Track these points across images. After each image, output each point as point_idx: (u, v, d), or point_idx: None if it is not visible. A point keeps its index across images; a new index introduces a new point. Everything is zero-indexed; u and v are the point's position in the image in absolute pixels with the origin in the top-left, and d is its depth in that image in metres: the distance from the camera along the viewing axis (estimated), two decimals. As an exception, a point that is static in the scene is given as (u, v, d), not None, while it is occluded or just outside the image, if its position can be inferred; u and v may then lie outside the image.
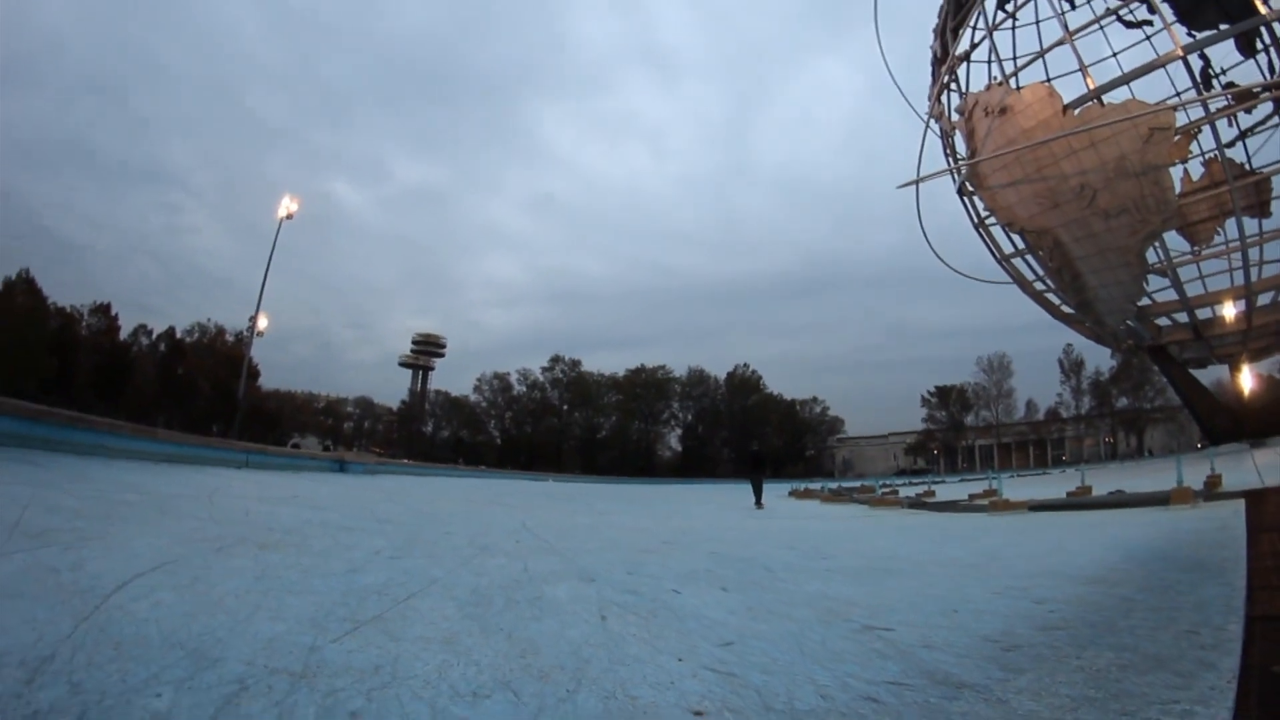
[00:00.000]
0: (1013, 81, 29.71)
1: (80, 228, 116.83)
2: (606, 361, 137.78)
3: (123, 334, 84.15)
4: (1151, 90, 29.95)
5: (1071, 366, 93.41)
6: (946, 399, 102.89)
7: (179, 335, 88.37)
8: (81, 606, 2.72)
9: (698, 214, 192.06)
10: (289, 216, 33.44)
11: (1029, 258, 32.21)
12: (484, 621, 3.31)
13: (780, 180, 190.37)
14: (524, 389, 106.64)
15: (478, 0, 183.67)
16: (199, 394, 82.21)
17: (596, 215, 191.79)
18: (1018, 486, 23.73)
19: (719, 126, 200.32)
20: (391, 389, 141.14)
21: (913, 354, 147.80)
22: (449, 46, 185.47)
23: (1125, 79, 27.35)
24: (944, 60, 33.22)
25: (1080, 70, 27.97)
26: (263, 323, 35.16)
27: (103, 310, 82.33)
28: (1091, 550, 7.64)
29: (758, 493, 20.47)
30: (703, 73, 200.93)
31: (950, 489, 27.37)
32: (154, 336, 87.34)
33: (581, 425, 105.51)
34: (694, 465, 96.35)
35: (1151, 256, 29.07)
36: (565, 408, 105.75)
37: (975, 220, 33.63)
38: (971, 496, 19.71)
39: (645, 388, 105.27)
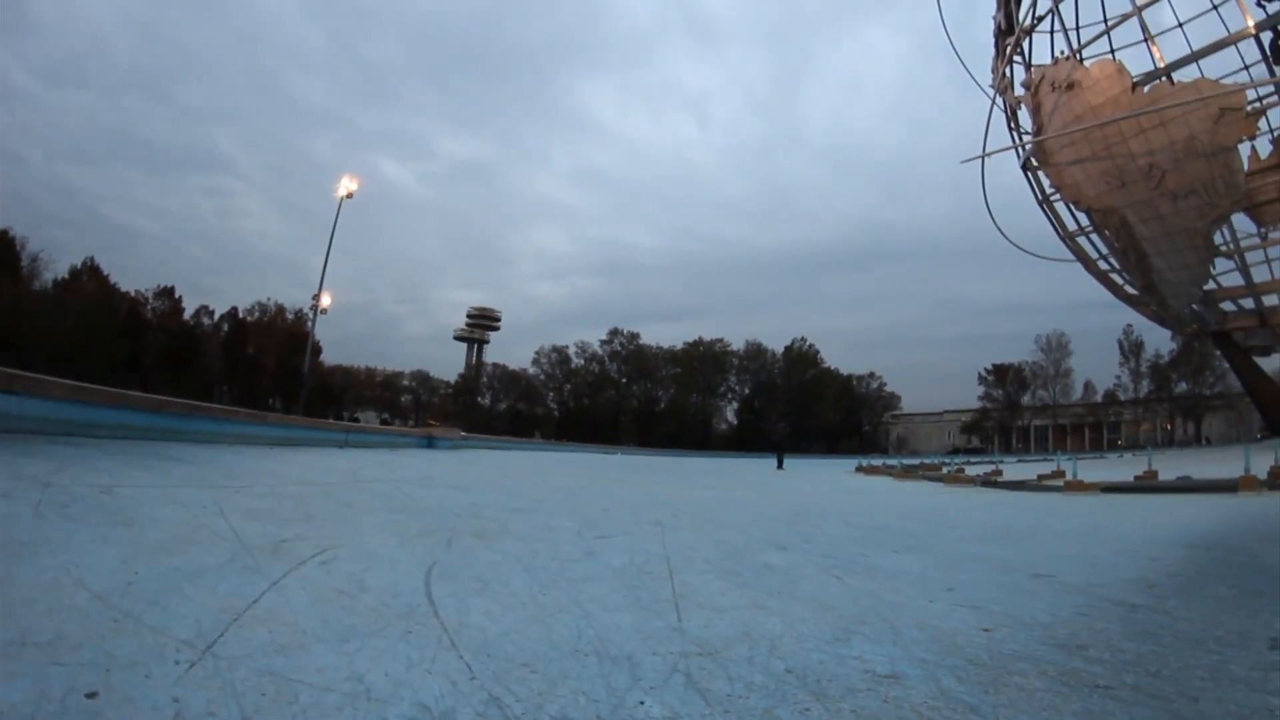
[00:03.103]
0: (1082, 54, 30.28)
1: (135, 215, 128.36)
2: (661, 333, 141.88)
3: (185, 315, 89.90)
4: (1219, 63, 30.23)
5: (1131, 348, 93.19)
6: (1003, 378, 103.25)
7: (240, 315, 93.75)
8: (429, 634, 2.79)
9: (745, 183, 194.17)
10: (349, 196, 35.21)
11: (1094, 236, 32.91)
12: (762, 589, 4.20)
13: (828, 148, 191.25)
14: (581, 362, 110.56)
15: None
16: (263, 371, 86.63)
17: (644, 186, 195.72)
18: (1082, 469, 24.91)
19: (763, 94, 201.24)
20: (446, 362, 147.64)
21: (968, 330, 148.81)
22: (487, 22, 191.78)
23: (1195, 56, 27.72)
24: (1009, 32, 33.80)
25: (1146, 41, 28.43)
26: (326, 300, 37.02)
27: (167, 293, 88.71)
28: (1177, 525, 8.93)
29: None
30: (745, 40, 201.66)
31: (1012, 469, 28.54)
32: (216, 317, 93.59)
33: (639, 398, 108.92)
34: (749, 439, 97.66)
35: (1217, 238, 29.59)
36: (624, 380, 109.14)
37: (1040, 196, 34.28)
38: (1041, 477, 20.92)
39: (703, 361, 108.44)
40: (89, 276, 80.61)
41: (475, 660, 2.55)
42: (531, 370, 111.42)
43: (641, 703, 2.28)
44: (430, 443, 21.73)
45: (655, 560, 4.78)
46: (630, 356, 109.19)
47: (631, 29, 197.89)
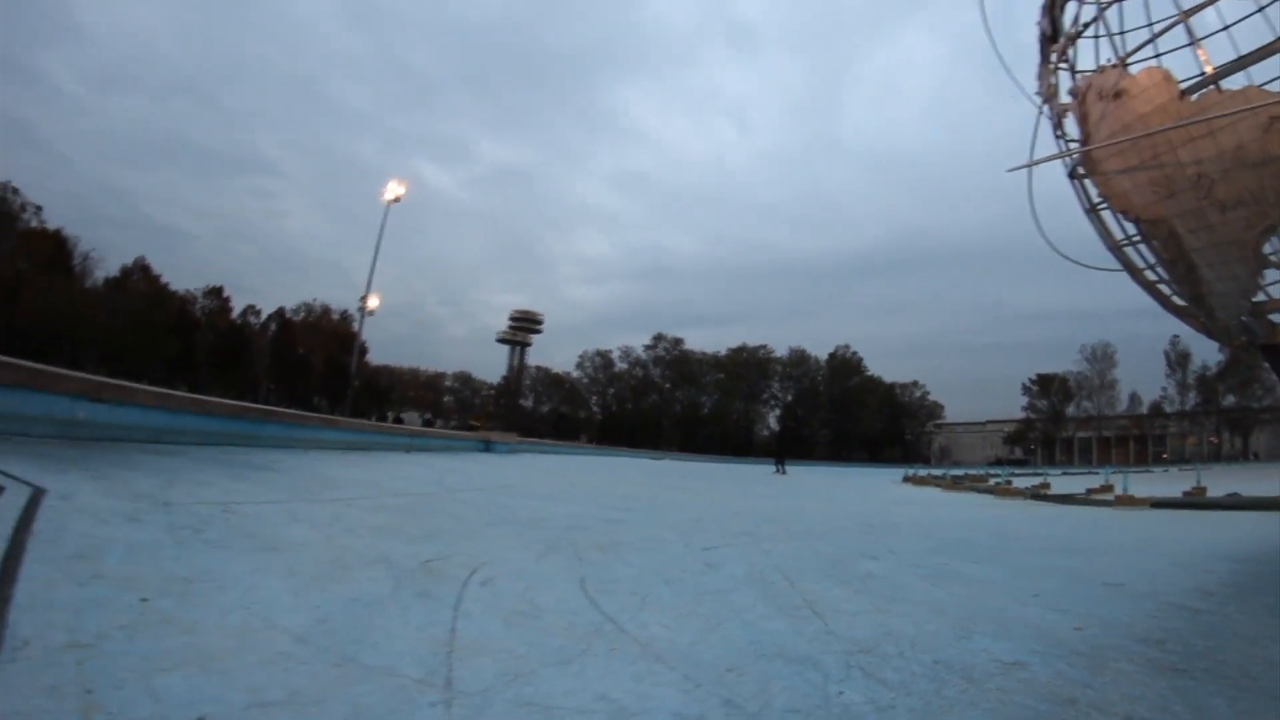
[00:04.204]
0: (1128, 60, 30.65)
1: (181, 216, 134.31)
2: (703, 338, 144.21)
3: (233, 314, 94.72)
4: (1269, 68, 30.30)
5: (1178, 359, 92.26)
6: (1048, 388, 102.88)
7: (287, 315, 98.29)
8: (631, 648, 3.16)
9: (785, 188, 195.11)
10: (396, 200, 36.46)
11: (1141, 246, 33.05)
12: (877, 595, 5.02)
13: (866, 153, 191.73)
14: (625, 366, 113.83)
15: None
16: (312, 371, 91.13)
17: (684, 191, 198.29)
18: (1130, 484, 25.46)
19: (802, 100, 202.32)
20: (488, 364, 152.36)
21: (1011, 337, 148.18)
22: (527, 28, 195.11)
23: (1243, 63, 27.97)
24: (1054, 39, 34.14)
25: (1192, 45, 28.63)
26: (373, 302, 38.31)
27: (215, 293, 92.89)
28: (1227, 541, 9.72)
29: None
30: (783, 45, 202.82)
31: (1058, 482, 29.11)
32: (263, 316, 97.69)
33: (683, 403, 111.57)
34: (790, 446, 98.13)
35: (1267, 249, 29.78)
36: (668, 385, 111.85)
37: (1086, 205, 34.46)
38: (1089, 491, 21.58)
39: (746, 367, 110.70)
40: (140, 275, 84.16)
41: (687, 670, 2.94)
42: (575, 374, 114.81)
43: (841, 693, 2.84)
44: (488, 447, 22.76)
45: (770, 571, 5.51)
46: (674, 362, 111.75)
47: (670, 35, 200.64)
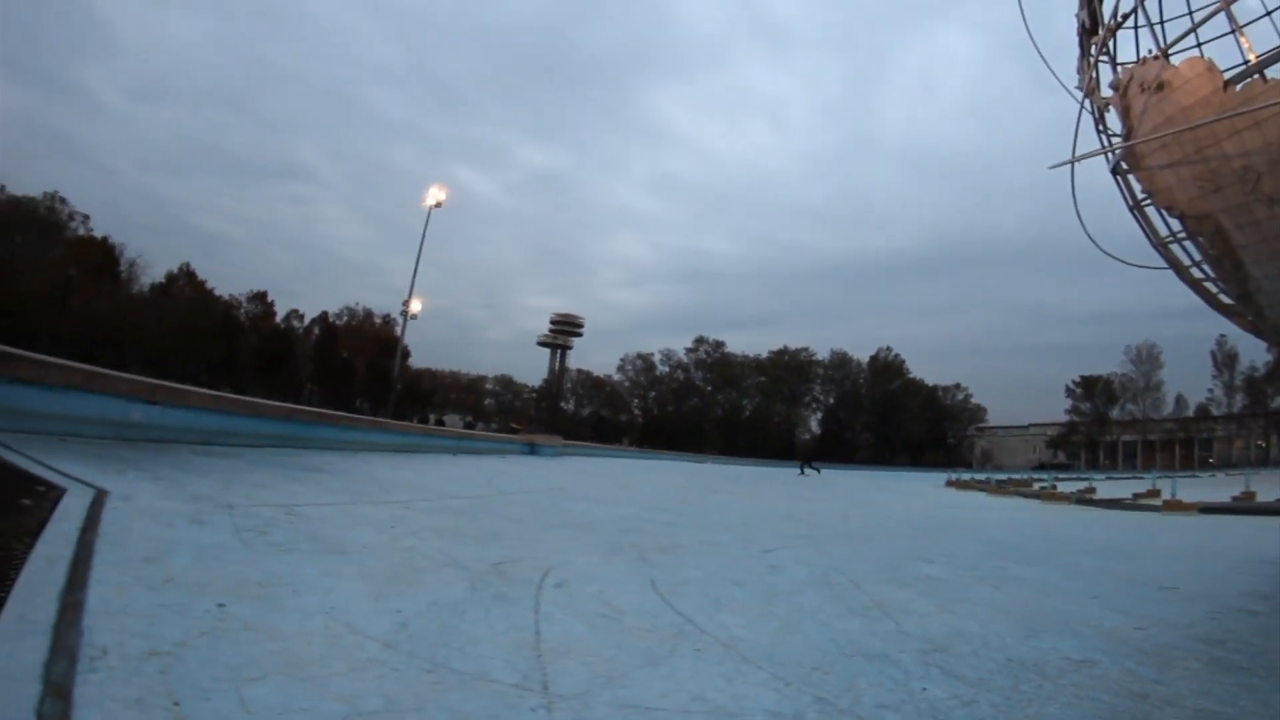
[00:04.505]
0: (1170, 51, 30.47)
1: (221, 223, 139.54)
2: (742, 340, 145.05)
3: (277, 318, 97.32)
4: None
5: (1225, 359, 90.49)
6: (1092, 390, 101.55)
7: (330, 319, 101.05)
8: (716, 649, 3.29)
9: (822, 189, 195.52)
10: (437, 205, 37.47)
11: (1187, 243, 32.85)
12: (941, 596, 5.43)
13: (904, 152, 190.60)
14: (666, 369, 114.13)
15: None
16: (355, 374, 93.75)
17: (721, 193, 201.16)
18: (1177, 488, 25.38)
19: (836, 99, 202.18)
20: (528, 367, 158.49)
21: (1054, 339, 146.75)
22: (559, 34, 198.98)
23: (1289, 50, 27.84)
24: (1093, 31, 33.94)
25: (1234, 33, 28.47)
26: (416, 306, 39.19)
27: (259, 297, 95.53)
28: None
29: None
30: (816, 44, 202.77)
31: (1102, 487, 29.03)
32: (306, 320, 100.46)
33: (724, 406, 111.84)
34: (831, 449, 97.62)
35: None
36: (709, 389, 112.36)
37: (1130, 202, 34.23)
38: (1136, 495, 21.57)
39: (787, 370, 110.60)
40: (185, 281, 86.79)
41: (774, 669, 3.04)
42: (616, 377, 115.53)
43: (924, 689, 2.97)
44: (533, 449, 23.14)
45: (831, 573, 5.73)
46: (715, 365, 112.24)
47: (702, 36, 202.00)
